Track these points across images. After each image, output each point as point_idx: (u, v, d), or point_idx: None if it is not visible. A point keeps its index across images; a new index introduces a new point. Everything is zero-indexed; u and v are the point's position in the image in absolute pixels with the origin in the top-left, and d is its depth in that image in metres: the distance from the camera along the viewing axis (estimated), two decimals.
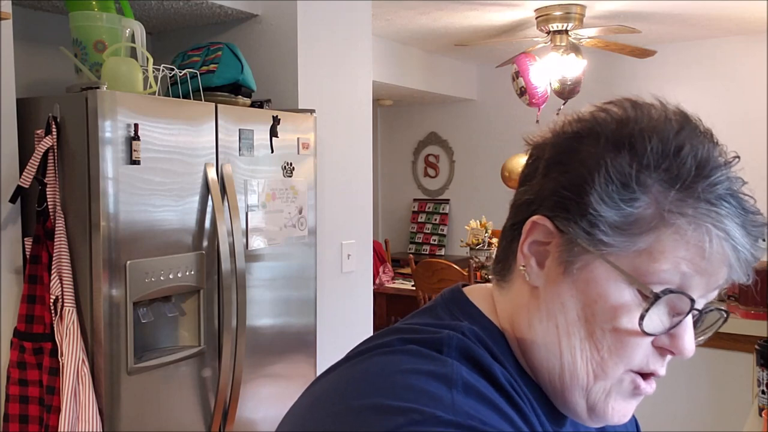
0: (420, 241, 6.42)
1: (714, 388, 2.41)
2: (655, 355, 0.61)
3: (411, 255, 5.43)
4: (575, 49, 4.08)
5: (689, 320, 0.60)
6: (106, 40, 1.90)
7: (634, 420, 0.84)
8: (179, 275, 1.86)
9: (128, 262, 1.72)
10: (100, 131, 1.66)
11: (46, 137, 1.69)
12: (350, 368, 0.61)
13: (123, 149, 1.70)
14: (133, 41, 1.96)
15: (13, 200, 1.69)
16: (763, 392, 1.69)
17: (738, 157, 0.62)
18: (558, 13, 3.90)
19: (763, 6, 3.88)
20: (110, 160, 1.68)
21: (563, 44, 4.07)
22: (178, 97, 2.06)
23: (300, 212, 2.26)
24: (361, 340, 0.67)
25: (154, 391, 1.82)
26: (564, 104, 4.29)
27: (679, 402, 2.47)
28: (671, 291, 0.57)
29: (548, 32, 4.08)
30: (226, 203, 1.97)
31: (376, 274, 4.59)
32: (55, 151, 1.70)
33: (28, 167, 1.68)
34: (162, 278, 1.81)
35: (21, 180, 1.68)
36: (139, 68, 1.87)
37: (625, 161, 0.58)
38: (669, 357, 0.62)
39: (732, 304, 2.39)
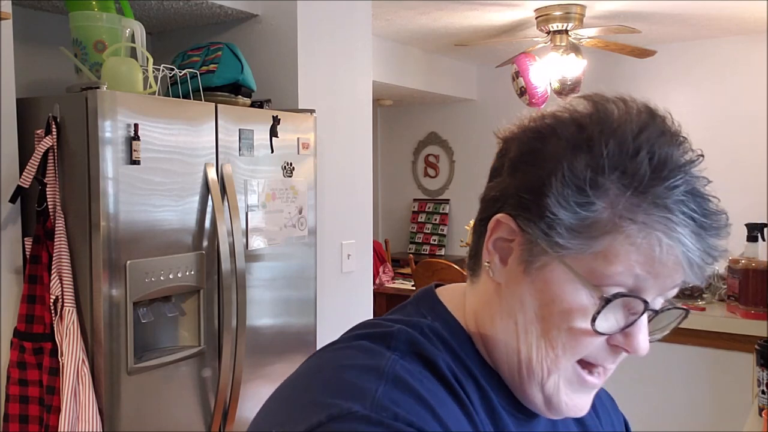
0: (420, 241, 6.42)
1: (714, 388, 2.41)
2: (607, 352, 0.62)
3: (411, 255, 5.44)
4: (575, 49, 4.08)
5: (643, 320, 0.61)
6: (106, 40, 1.90)
7: (623, 420, 0.85)
8: (179, 275, 1.86)
9: (128, 262, 1.72)
10: (100, 131, 1.66)
11: (46, 137, 1.69)
12: (305, 363, 0.66)
13: (123, 149, 1.70)
14: (133, 41, 1.96)
15: (13, 200, 1.69)
16: (763, 392, 1.69)
17: (702, 155, 0.62)
18: (558, 13, 3.90)
19: (763, 6, 3.88)
20: (110, 160, 1.68)
21: (563, 44, 4.07)
22: (178, 97, 2.06)
23: (300, 212, 2.26)
24: None
25: (154, 391, 1.82)
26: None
27: (679, 402, 2.47)
28: (623, 295, 0.59)
29: (548, 32, 4.08)
30: (226, 203, 1.97)
31: (376, 274, 4.59)
32: (55, 151, 1.70)
33: (28, 167, 1.68)
34: (162, 278, 1.81)
35: (21, 180, 1.68)
36: (139, 68, 1.87)
37: (582, 164, 0.58)
38: (623, 354, 0.63)
39: (732, 304, 2.39)
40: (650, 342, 0.63)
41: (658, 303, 0.61)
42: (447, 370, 0.61)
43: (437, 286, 0.74)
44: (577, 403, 0.65)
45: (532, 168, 0.61)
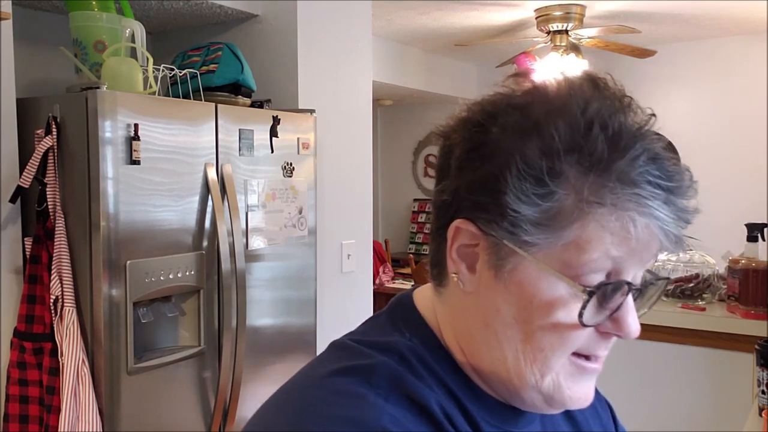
0: (420, 241, 6.42)
1: (714, 388, 2.41)
2: (597, 340, 0.59)
3: (411, 255, 5.44)
4: (575, 49, 4.08)
5: (629, 301, 0.58)
6: (106, 40, 1.90)
7: (605, 403, 0.83)
8: (179, 275, 1.86)
9: (128, 262, 1.72)
10: (100, 131, 1.66)
11: (46, 137, 1.69)
12: (284, 395, 0.60)
13: (123, 149, 1.70)
14: (133, 41, 1.96)
15: (13, 200, 1.69)
16: (763, 392, 1.69)
17: (654, 114, 0.58)
18: (558, 13, 3.90)
19: (763, 6, 3.88)
20: (110, 160, 1.67)
21: (563, 44, 4.07)
22: (178, 97, 2.06)
23: (300, 212, 2.26)
24: None
25: (154, 391, 1.82)
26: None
27: (679, 402, 2.47)
28: (606, 284, 0.56)
29: (548, 32, 4.08)
30: (226, 203, 1.97)
31: (376, 274, 4.59)
32: (55, 151, 1.70)
33: (28, 167, 1.68)
34: (162, 278, 1.81)
35: (21, 180, 1.68)
36: (139, 68, 1.87)
37: (535, 152, 0.54)
38: (614, 339, 0.60)
39: (732, 304, 2.39)
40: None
41: (638, 278, 0.59)
42: (439, 411, 0.56)
43: (415, 288, 0.70)
44: (583, 393, 0.61)
45: (481, 164, 0.57)
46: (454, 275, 0.61)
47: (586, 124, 0.54)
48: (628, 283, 0.56)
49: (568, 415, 0.74)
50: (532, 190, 0.54)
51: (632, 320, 0.58)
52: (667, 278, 0.62)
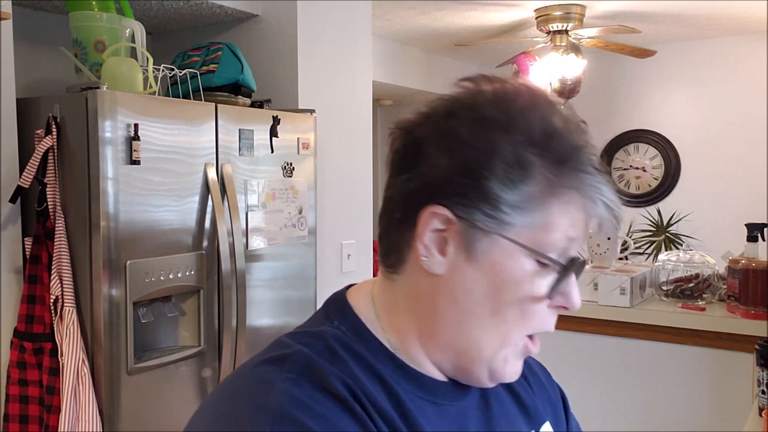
0: None
1: (714, 388, 2.41)
2: (550, 315, 0.66)
3: None
4: (575, 49, 4.08)
5: (574, 276, 0.65)
6: (106, 40, 1.90)
7: (559, 392, 0.86)
8: (179, 275, 1.86)
9: (128, 262, 1.72)
10: (100, 131, 1.66)
11: (46, 137, 1.69)
12: (220, 385, 0.67)
13: (123, 149, 1.70)
14: (133, 41, 1.96)
15: (13, 200, 1.69)
16: (763, 392, 1.69)
17: (564, 103, 0.67)
18: (558, 13, 3.90)
19: (763, 6, 3.88)
20: (110, 160, 1.67)
21: (563, 44, 4.07)
22: (178, 97, 2.06)
23: (300, 212, 2.26)
24: None
25: (154, 391, 1.82)
26: (564, 104, 4.29)
27: (679, 402, 2.47)
28: (577, 259, 0.64)
29: (548, 32, 4.08)
30: (226, 203, 1.97)
31: (375, 274, 4.59)
32: (55, 151, 1.70)
33: (28, 167, 1.68)
34: (162, 278, 1.81)
35: (21, 180, 1.68)
36: (139, 68, 1.87)
37: (514, 141, 0.61)
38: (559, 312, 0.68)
39: (732, 304, 2.39)
40: None
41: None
42: (342, 387, 0.60)
43: (350, 286, 0.76)
44: (517, 369, 0.69)
45: (458, 153, 0.62)
46: (424, 258, 0.64)
47: (553, 122, 0.62)
48: (584, 260, 0.65)
49: (513, 394, 0.78)
50: (512, 176, 0.61)
51: (576, 293, 0.66)
52: (584, 261, 0.68)
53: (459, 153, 0.62)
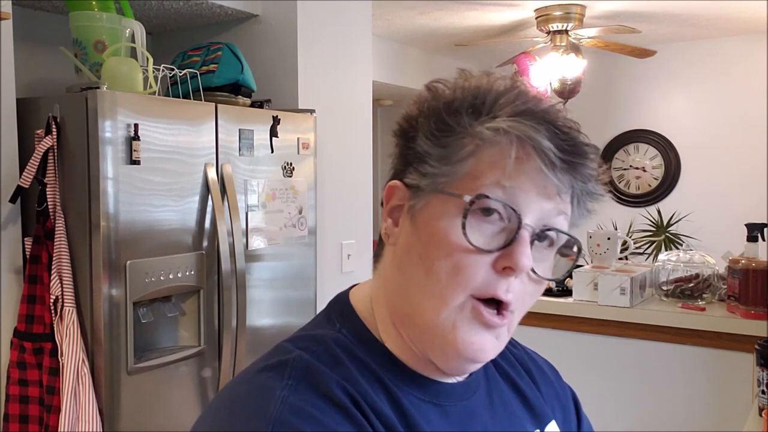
0: None
1: (714, 388, 2.41)
2: (495, 278, 0.62)
3: None
4: (575, 49, 4.08)
5: (523, 236, 0.62)
6: (106, 40, 1.90)
7: (570, 393, 0.85)
8: (179, 275, 1.86)
9: (128, 262, 1.72)
10: (100, 131, 1.66)
11: (46, 137, 1.69)
12: (227, 386, 0.67)
13: (123, 149, 1.70)
14: (133, 41, 1.96)
15: (13, 200, 1.69)
16: (763, 392, 1.69)
17: (518, 85, 0.66)
18: (558, 13, 3.90)
19: (763, 6, 3.88)
20: (110, 160, 1.67)
21: (563, 44, 4.07)
22: (178, 97, 2.06)
23: (300, 212, 2.26)
24: None
25: (154, 391, 1.82)
26: (564, 104, 4.28)
27: (679, 402, 2.47)
28: (484, 196, 0.61)
29: (548, 32, 4.08)
30: (226, 203, 1.97)
31: None
32: (55, 151, 1.70)
33: (28, 167, 1.68)
34: (162, 278, 1.81)
35: (21, 180, 1.68)
36: (139, 68, 1.87)
37: (440, 106, 0.65)
38: (513, 279, 0.63)
39: (732, 304, 2.39)
40: (549, 280, 0.66)
41: (533, 220, 0.63)
42: (342, 393, 0.61)
43: (353, 286, 0.76)
44: (475, 341, 0.63)
45: (406, 132, 0.67)
46: (386, 234, 0.68)
47: (481, 87, 0.65)
48: (517, 214, 0.61)
49: (519, 394, 0.77)
50: (438, 131, 0.64)
51: (521, 253, 0.61)
52: (576, 240, 0.67)
53: (406, 132, 0.67)
